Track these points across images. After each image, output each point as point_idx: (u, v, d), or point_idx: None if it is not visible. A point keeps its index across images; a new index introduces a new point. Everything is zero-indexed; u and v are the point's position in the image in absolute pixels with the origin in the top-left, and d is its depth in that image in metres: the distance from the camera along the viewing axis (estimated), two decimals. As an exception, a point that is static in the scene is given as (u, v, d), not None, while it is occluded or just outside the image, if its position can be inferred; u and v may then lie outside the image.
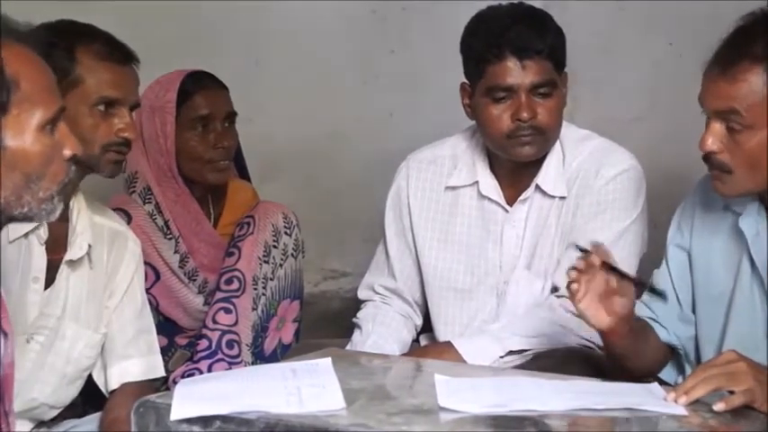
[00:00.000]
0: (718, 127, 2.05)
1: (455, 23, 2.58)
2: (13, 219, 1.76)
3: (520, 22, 2.45)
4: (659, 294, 2.16)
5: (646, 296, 2.28)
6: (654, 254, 2.51)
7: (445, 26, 2.94)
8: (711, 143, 2.05)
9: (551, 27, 2.49)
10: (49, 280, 2.25)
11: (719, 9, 2.93)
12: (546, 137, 2.49)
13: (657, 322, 2.29)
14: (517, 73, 2.43)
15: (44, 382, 2.27)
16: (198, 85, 2.90)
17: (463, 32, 2.53)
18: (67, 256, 2.26)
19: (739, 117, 2.01)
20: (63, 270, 2.26)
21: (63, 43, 2.21)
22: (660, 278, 2.31)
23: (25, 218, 1.76)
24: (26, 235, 2.19)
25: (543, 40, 2.45)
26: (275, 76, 3.80)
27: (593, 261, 2.05)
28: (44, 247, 2.22)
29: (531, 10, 2.51)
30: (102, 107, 2.22)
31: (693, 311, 2.28)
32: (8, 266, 2.16)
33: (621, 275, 2.07)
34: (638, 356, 2.21)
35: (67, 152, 1.76)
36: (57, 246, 2.25)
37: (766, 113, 2.00)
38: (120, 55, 2.26)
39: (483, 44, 2.46)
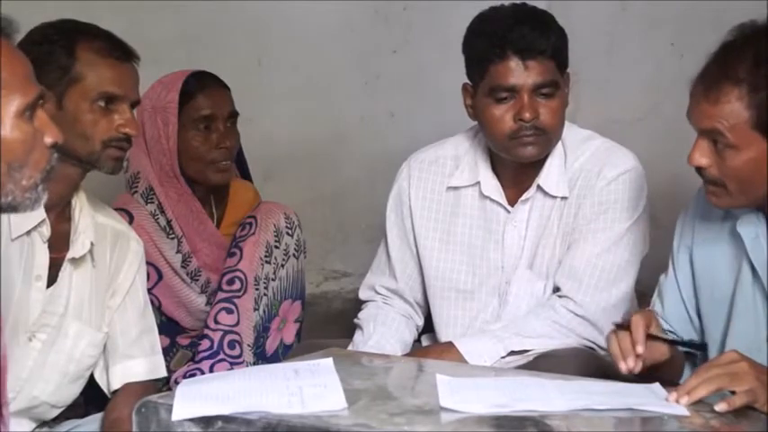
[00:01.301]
0: (705, 143, 2.05)
1: (457, 24, 2.58)
2: None
3: (523, 22, 2.44)
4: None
5: (658, 306, 2.30)
6: (656, 254, 2.51)
7: (447, 26, 2.94)
8: (699, 158, 2.06)
9: (554, 27, 2.48)
10: (52, 278, 2.25)
11: (721, 9, 2.94)
12: (548, 137, 2.48)
13: (674, 333, 2.29)
14: (520, 73, 2.43)
15: (46, 381, 2.27)
16: (200, 85, 2.89)
17: (465, 33, 2.53)
18: (70, 254, 2.26)
19: (723, 137, 2.01)
20: (66, 268, 2.26)
21: (63, 41, 2.21)
22: (667, 284, 2.32)
23: (9, 207, 1.75)
24: (29, 233, 2.19)
25: (546, 40, 2.44)
26: (277, 76, 3.78)
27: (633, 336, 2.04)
28: (47, 245, 2.22)
29: (534, 10, 2.51)
30: (102, 103, 2.22)
31: (698, 315, 2.28)
32: (10, 264, 2.16)
33: (660, 339, 2.09)
34: (668, 375, 2.20)
35: (48, 140, 1.76)
36: (59, 244, 2.25)
37: (749, 134, 1.99)
38: (120, 52, 2.25)
39: (485, 44, 2.45)
